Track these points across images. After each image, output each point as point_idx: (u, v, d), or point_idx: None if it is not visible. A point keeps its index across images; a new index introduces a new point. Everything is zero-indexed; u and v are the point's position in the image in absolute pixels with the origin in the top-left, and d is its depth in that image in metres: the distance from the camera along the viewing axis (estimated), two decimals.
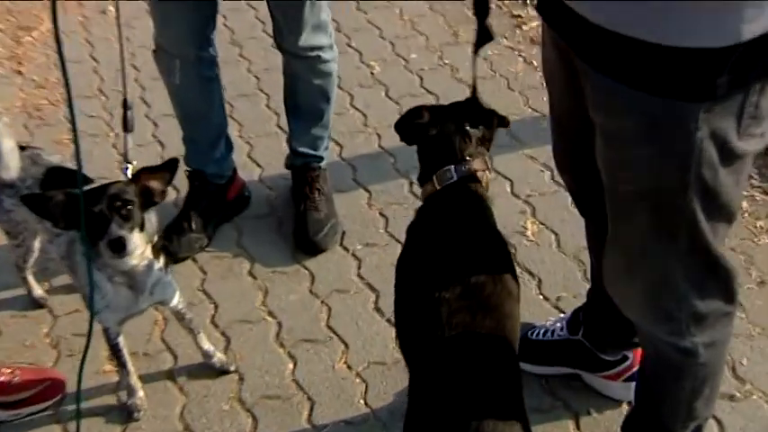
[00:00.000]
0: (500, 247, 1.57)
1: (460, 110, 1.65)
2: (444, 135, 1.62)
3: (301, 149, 2.55)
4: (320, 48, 2.33)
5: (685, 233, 1.29)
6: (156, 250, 1.83)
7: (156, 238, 1.84)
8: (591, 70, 1.25)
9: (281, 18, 2.29)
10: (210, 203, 2.53)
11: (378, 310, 2.34)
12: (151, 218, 1.81)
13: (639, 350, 1.82)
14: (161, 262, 1.84)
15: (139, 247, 1.71)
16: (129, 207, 1.69)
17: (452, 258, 1.49)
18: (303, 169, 2.56)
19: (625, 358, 1.95)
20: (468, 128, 1.60)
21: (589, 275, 2.00)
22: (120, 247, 1.64)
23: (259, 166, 2.86)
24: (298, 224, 2.50)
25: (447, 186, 1.58)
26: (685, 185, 1.23)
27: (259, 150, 2.95)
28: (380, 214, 2.65)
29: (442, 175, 1.58)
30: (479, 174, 1.59)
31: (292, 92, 2.49)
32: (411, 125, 1.65)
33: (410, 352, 1.49)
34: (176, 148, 2.68)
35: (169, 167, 1.77)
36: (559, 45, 1.38)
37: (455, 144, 1.61)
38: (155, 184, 1.76)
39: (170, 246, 2.34)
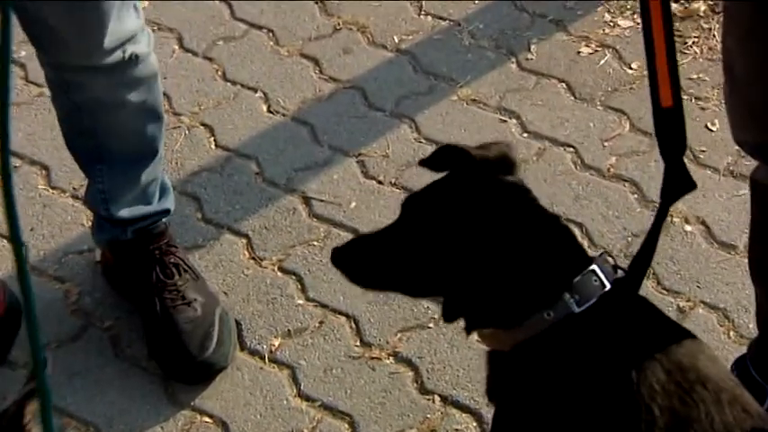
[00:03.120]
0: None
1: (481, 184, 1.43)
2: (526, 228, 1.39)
3: (129, 214, 2.09)
4: (132, 38, 1.90)
5: None
6: None
7: None
8: None
9: (65, 19, 1.82)
10: None
11: None
12: None
13: None
14: None
15: None
16: None
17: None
18: (140, 242, 2.12)
19: None
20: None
21: None
22: None
23: None
24: (163, 339, 2.09)
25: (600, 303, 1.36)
26: None
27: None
28: (283, 270, 2.26)
29: (583, 287, 1.36)
30: None
31: (96, 130, 2.03)
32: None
33: None
34: None
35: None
36: None
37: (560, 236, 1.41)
38: None
39: None
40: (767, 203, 1.68)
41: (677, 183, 1.38)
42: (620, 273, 1.40)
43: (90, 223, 2.25)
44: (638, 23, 2.77)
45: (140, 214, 2.10)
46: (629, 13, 2.79)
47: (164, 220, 2.14)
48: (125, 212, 2.08)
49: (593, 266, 1.36)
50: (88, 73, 1.91)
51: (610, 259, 1.41)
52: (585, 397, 1.33)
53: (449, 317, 1.41)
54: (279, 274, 2.25)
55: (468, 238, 1.36)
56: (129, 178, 2.06)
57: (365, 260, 1.46)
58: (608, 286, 1.35)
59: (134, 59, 1.90)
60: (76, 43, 1.85)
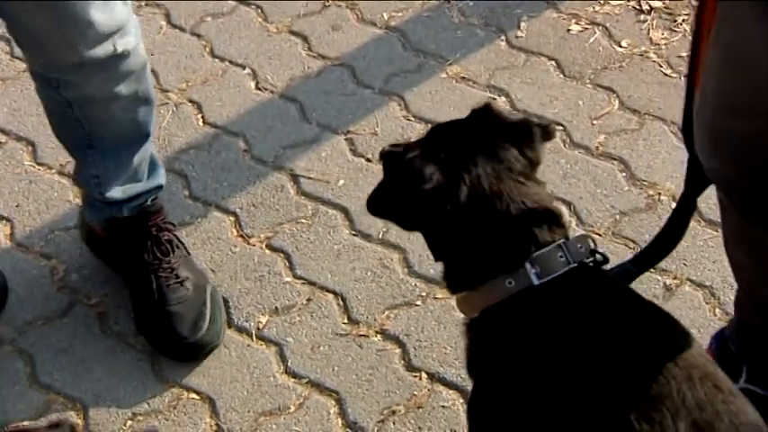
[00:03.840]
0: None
1: (476, 135, 1.47)
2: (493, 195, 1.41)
3: (123, 194, 2.10)
4: (119, 30, 1.86)
5: None
6: None
7: None
8: None
9: (45, 15, 1.78)
10: None
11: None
12: None
13: None
14: None
15: None
16: None
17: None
18: (136, 220, 2.13)
19: None
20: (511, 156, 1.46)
21: None
22: None
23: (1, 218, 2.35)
24: (155, 318, 2.09)
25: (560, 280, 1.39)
26: None
27: None
28: (270, 248, 2.26)
29: (545, 260, 1.40)
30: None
31: (86, 121, 2.02)
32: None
33: None
34: None
35: None
36: None
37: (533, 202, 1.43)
38: None
39: None
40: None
41: (700, 174, 1.46)
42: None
43: (77, 200, 2.26)
44: (628, 1, 2.78)
45: (134, 193, 2.10)
46: None
47: (159, 195, 2.14)
48: (118, 193, 2.08)
49: (560, 242, 1.39)
50: (79, 70, 1.88)
51: (591, 242, 1.43)
52: (549, 375, 1.34)
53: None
54: (266, 251, 2.25)
55: (444, 179, 1.39)
56: (120, 162, 2.06)
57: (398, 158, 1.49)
58: (573, 264, 1.37)
59: (125, 54, 1.88)
60: (61, 38, 1.82)
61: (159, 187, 2.14)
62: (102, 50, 1.84)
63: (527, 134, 1.48)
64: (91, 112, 1.99)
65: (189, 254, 2.15)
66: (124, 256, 2.14)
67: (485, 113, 1.50)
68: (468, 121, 1.50)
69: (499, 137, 1.46)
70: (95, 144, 2.03)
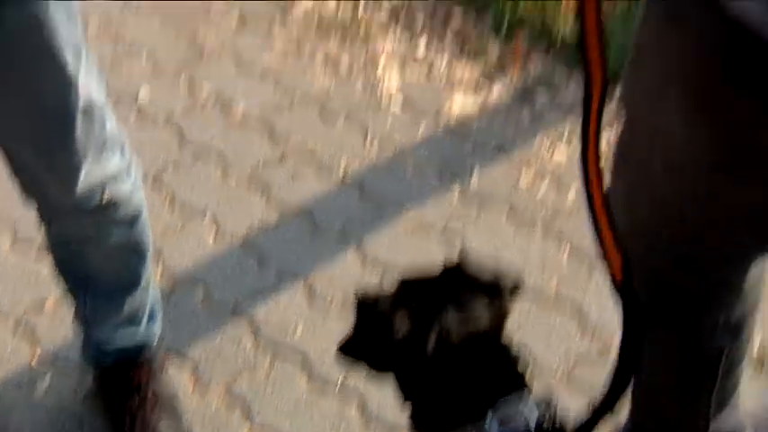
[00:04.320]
0: None
1: (446, 289, 1.51)
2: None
3: (109, 342, 2.13)
4: (113, 178, 1.86)
5: None
6: None
7: None
8: None
9: (32, 159, 1.78)
10: None
11: None
12: None
13: None
14: None
15: None
16: None
17: None
18: (120, 369, 2.15)
19: None
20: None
21: None
22: None
23: None
24: None
25: None
26: None
27: None
28: (229, 396, 2.27)
29: (506, 414, 1.42)
30: None
31: (76, 261, 2.04)
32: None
33: None
34: None
35: None
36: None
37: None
38: None
39: None
40: None
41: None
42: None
43: (30, 359, 2.29)
44: (576, 152, 2.87)
45: (121, 345, 2.11)
46: (566, 140, 2.88)
47: (151, 348, 2.16)
48: (105, 339, 2.10)
49: (522, 398, 1.41)
50: (64, 212, 1.89)
51: (553, 400, 1.45)
52: None
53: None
54: (224, 400, 2.24)
55: (413, 330, 1.42)
56: (111, 309, 2.07)
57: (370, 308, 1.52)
58: (533, 423, 1.39)
59: (113, 205, 1.87)
60: (55, 184, 1.81)
61: (149, 342, 2.16)
62: (90, 201, 1.83)
63: (496, 290, 1.52)
64: (82, 250, 1.99)
65: (177, 409, 2.15)
66: (108, 400, 2.16)
67: (456, 269, 1.54)
68: (440, 275, 1.54)
69: (469, 290, 1.50)
70: (89, 284, 2.05)
